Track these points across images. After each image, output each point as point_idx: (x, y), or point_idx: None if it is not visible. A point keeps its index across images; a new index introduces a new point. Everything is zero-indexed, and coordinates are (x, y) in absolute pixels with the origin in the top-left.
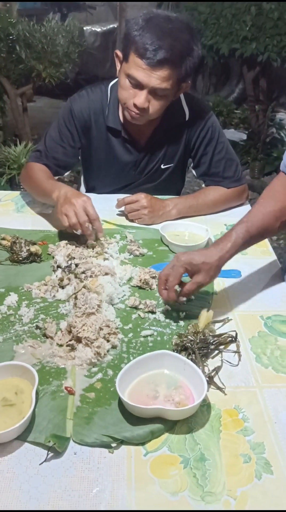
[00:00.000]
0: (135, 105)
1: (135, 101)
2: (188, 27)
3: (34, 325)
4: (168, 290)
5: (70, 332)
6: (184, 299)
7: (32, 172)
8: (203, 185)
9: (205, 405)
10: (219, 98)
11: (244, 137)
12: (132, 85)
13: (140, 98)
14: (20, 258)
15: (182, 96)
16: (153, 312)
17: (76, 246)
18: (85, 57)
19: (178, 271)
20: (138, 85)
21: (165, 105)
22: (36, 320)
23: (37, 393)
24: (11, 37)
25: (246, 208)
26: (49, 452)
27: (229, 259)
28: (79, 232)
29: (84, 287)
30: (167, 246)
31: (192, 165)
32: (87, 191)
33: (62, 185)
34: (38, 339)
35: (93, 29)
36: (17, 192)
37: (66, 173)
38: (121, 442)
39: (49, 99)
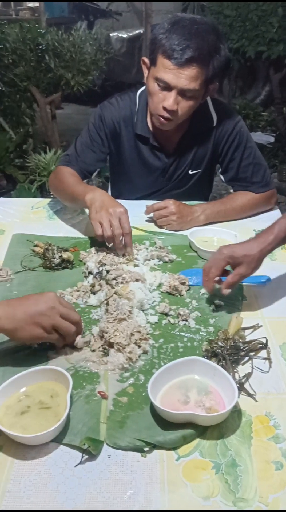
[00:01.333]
0: (164, 108)
1: (164, 103)
2: (214, 28)
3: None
4: (208, 280)
5: (102, 337)
6: (229, 290)
7: (62, 175)
8: (231, 190)
9: (236, 412)
10: (245, 101)
11: (272, 139)
12: (160, 88)
13: (169, 100)
14: (53, 265)
15: (209, 101)
16: (185, 320)
17: (107, 253)
18: (112, 63)
19: (219, 264)
20: (166, 87)
21: (194, 107)
22: None
23: (71, 396)
24: (40, 47)
25: (275, 213)
26: (83, 455)
27: (271, 251)
28: (110, 245)
29: (115, 293)
30: (196, 252)
31: (220, 170)
32: (114, 197)
33: (96, 188)
34: None
35: (119, 35)
36: (48, 200)
37: (93, 176)
38: (154, 446)
39: (77, 105)
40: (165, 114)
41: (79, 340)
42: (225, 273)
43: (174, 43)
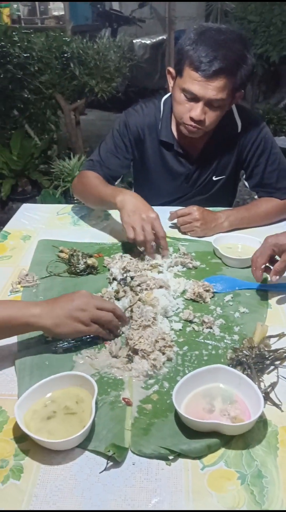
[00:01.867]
0: (191, 118)
1: (192, 114)
2: (240, 37)
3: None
4: (256, 269)
5: (127, 344)
6: (277, 277)
7: (87, 179)
8: (256, 197)
9: (262, 421)
10: (269, 105)
11: None
12: (187, 99)
13: (196, 110)
14: (78, 271)
15: (233, 107)
16: (209, 327)
17: (130, 259)
18: (135, 69)
19: (265, 253)
20: (193, 98)
21: (221, 115)
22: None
23: (96, 402)
24: (65, 55)
25: None
26: (108, 461)
27: None
28: (142, 248)
29: (139, 300)
30: (220, 258)
31: (244, 176)
32: None
33: (125, 190)
34: (94, 349)
35: (143, 41)
36: (73, 206)
37: (116, 183)
38: (178, 454)
39: (100, 111)
40: (193, 124)
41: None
42: (272, 262)
43: (201, 54)
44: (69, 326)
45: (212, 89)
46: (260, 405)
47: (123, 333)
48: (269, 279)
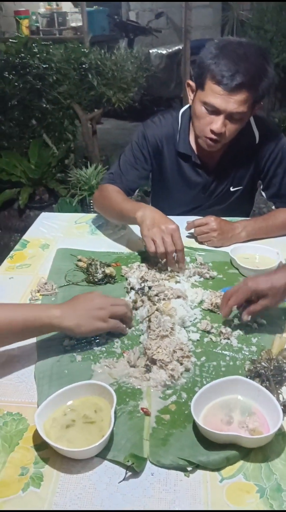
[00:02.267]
0: (212, 131)
1: (212, 127)
2: (260, 50)
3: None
4: (226, 306)
5: (145, 353)
6: (249, 317)
7: (108, 193)
8: (273, 207)
9: (280, 434)
10: (285, 114)
11: None
12: (208, 112)
13: (217, 123)
14: (96, 280)
15: (251, 118)
16: (227, 338)
17: (148, 269)
18: (151, 79)
19: (241, 295)
20: (214, 111)
21: (240, 127)
22: (111, 342)
23: (115, 412)
24: (83, 66)
25: None
26: (127, 471)
27: None
28: (163, 261)
29: (157, 310)
30: (237, 269)
31: (261, 187)
32: None
33: (145, 205)
34: (113, 358)
35: (159, 51)
36: (91, 215)
37: (134, 194)
38: (197, 466)
39: (116, 120)
40: (213, 137)
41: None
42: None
43: (223, 68)
44: (91, 325)
45: (233, 102)
46: (279, 418)
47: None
48: (233, 313)
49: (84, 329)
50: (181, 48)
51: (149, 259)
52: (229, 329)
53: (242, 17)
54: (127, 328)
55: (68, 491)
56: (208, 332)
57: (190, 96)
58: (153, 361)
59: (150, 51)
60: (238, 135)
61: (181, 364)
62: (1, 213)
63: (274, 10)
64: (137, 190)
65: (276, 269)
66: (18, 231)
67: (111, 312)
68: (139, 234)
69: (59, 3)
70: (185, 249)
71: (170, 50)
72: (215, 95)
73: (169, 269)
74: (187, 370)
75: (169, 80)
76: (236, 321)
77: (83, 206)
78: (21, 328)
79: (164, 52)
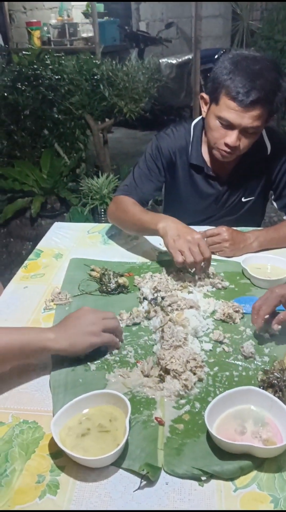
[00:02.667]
0: (226, 144)
1: (227, 140)
2: (274, 65)
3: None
4: (258, 318)
5: (158, 364)
6: (279, 327)
7: (124, 205)
8: (284, 217)
9: None
10: None
11: None
12: (222, 126)
13: (232, 137)
14: (109, 289)
15: (263, 130)
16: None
17: (160, 279)
18: (161, 88)
19: (271, 302)
20: (229, 126)
21: (254, 140)
22: (125, 352)
23: (129, 421)
24: (95, 77)
25: None
26: (142, 480)
27: None
28: (192, 270)
29: (170, 320)
30: (249, 279)
31: (273, 197)
32: None
33: (166, 217)
34: (126, 368)
35: (169, 61)
36: (103, 225)
37: (149, 204)
38: (211, 476)
39: (126, 129)
40: (227, 149)
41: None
42: (274, 312)
43: (238, 85)
44: (84, 342)
45: (248, 117)
46: None
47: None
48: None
49: (78, 347)
50: (191, 57)
51: (172, 267)
52: (252, 350)
53: (252, 27)
54: (119, 342)
55: (84, 499)
56: (221, 342)
57: (204, 108)
58: (167, 371)
59: (161, 60)
60: (250, 147)
61: (194, 374)
62: (13, 221)
63: (284, 20)
64: (149, 201)
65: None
66: (30, 239)
67: (103, 326)
68: (152, 244)
69: (70, 14)
70: None
71: (180, 60)
72: (230, 110)
73: (196, 277)
74: (200, 380)
75: (179, 89)
76: (266, 335)
77: (95, 215)
78: (17, 353)
79: (174, 61)
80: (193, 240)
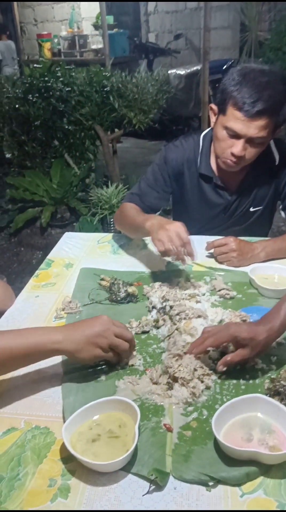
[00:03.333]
0: (232, 154)
1: (233, 150)
2: (282, 77)
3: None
4: (200, 346)
5: (166, 371)
6: (224, 369)
7: (125, 210)
8: None
9: None
10: None
11: None
12: (229, 136)
13: (238, 147)
14: (119, 298)
15: (271, 141)
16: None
17: (169, 288)
18: (170, 99)
19: (221, 339)
20: (235, 136)
21: (261, 151)
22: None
23: (138, 427)
24: (105, 88)
25: None
26: (151, 485)
27: (277, 338)
28: (173, 258)
29: (177, 329)
30: (256, 289)
31: (281, 207)
32: None
33: (154, 216)
34: (136, 375)
35: (178, 72)
36: (113, 235)
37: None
38: (218, 481)
39: (135, 139)
40: (233, 159)
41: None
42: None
43: (245, 96)
44: (89, 352)
45: (254, 128)
46: None
47: (132, 365)
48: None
49: (84, 355)
50: (199, 68)
51: (181, 277)
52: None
53: (261, 38)
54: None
55: (94, 502)
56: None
57: (213, 119)
58: (175, 379)
59: (169, 71)
60: (259, 158)
61: (202, 382)
62: (24, 231)
63: None
64: (157, 211)
65: (258, 320)
66: (40, 248)
67: (113, 343)
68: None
69: (80, 26)
70: (204, 269)
71: (189, 71)
72: (236, 120)
73: (182, 266)
74: (207, 388)
75: (188, 99)
76: (212, 365)
77: (104, 225)
78: (23, 355)
79: (182, 72)
80: (171, 228)
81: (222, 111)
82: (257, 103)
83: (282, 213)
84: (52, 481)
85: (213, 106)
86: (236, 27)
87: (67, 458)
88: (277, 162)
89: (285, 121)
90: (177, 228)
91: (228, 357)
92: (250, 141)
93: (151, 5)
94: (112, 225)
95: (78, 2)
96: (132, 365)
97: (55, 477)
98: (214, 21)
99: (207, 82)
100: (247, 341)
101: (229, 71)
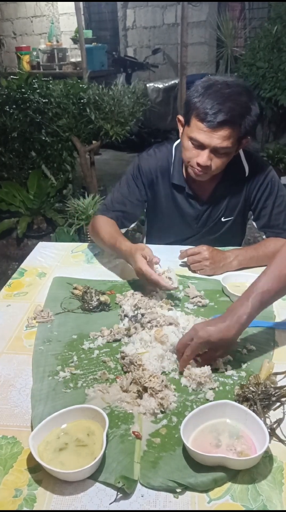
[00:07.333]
0: (198, 164)
1: (198, 160)
2: (245, 89)
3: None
4: (184, 362)
5: (138, 382)
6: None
7: (99, 225)
8: (264, 237)
9: (267, 457)
10: (279, 145)
11: None
12: (194, 146)
13: (203, 157)
14: (91, 307)
15: (241, 153)
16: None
17: (141, 296)
18: (148, 112)
19: (196, 349)
20: (200, 146)
21: (227, 161)
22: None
23: (107, 435)
24: (82, 100)
25: None
26: (118, 493)
27: (245, 327)
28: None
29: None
30: (229, 297)
31: (252, 217)
32: (149, 242)
33: (121, 245)
34: (106, 383)
35: (156, 85)
36: (87, 244)
37: (132, 225)
38: (186, 488)
39: (114, 151)
40: (199, 169)
41: None
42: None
43: (207, 107)
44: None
45: (217, 138)
46: (266, 441)
47: None
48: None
49: None
50: (177, 82)
51: (142, 288)
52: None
53: (236, 53)
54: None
55: None
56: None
57: (180, 130)
58: (145, 389)
59: (148, 85)
60: (229, 169)
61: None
62: (0, 242)
63: (266, 48)
64: (133, 221)
65: (223, 314)
66: (16, 259)
67: None
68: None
69: (59, 39)
70: (178, 277)
71: (167, 85)
72: (199, 131)
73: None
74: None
75: (165, 113)
76: (244, 351)
77: (80, 235)
78: None
79: (160, 86)
80: (134, 269)
81: (187, 122)
82: (219, 114)
83: (254, 224)
84: (17, 491)
85: (180, 117)
86: (212, 43)
87: (34, 468)
88: (247, 174)
89: (249, 133)
90: (138, 265)
91: (203, 360)
92: (214, 151)
93: (130, 20)
94: (88, 236)
95: (57, 16)
96: None
97: (21, 487)
98: (191, 37)
99: (185, 96)
100: (218, 342)
101: (194, 83)
